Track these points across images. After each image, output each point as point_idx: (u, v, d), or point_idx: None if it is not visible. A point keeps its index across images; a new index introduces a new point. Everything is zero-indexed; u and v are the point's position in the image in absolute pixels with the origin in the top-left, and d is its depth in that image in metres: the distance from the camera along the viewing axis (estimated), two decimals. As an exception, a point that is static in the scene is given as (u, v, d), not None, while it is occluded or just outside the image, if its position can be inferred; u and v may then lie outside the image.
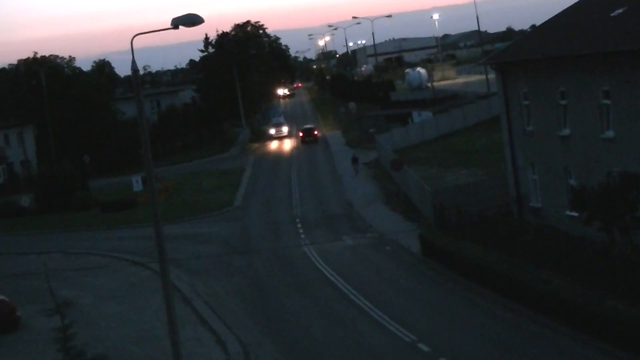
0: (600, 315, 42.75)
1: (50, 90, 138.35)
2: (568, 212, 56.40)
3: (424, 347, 45.23)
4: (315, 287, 58.75)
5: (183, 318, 47.84)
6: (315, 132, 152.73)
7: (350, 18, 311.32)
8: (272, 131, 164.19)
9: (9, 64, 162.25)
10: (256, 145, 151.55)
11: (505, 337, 45.67)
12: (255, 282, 61.60)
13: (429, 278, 56.81)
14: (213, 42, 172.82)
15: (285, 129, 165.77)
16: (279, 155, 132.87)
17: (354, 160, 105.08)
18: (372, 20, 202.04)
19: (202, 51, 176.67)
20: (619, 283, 46.18)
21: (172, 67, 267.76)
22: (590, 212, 50.42)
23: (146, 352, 48.92)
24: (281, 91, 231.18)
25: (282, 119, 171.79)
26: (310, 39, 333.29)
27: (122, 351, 48.52)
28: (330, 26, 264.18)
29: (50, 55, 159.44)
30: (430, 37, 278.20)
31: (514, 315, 47.76)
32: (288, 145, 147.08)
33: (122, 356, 46.57)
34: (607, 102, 55.11)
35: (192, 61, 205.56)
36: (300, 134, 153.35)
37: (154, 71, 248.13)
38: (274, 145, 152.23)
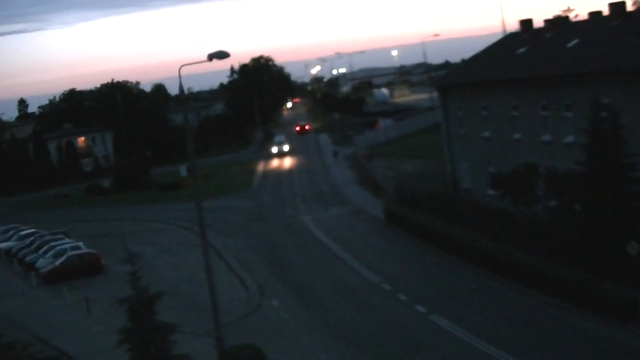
0: (510, 262, 43.06)
1: (123, 105, 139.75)
2: (488, 191, 56.62)
3: (386, 287, 45.50)
4: (310, 244, 58.93)
5: (216, 266, 47.96)
6: (307, 127, 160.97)
7: (334, 53, 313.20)
8: (275, 149, 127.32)
9: (95, 87, 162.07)
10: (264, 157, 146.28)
11: (444, 279, 45.86)
12: (268, 241, 61.71)
13: (391, 238, 56.96)
14: (237, 70, 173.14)
15: (286, 147, 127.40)
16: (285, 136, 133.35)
17: (335, 154, 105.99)
18: (350, 55, 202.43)
19: (229, 77, 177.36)
20: (523, 240, 46.43)
21: (207, 88, 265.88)
22: (504, 190, 50.70)
23: (192, 290, 49.13)
24: (285, 106, 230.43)
25: (283, 138, 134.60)
26: (305, 67, 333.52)
27: (176, 289, 48.74)
28: (320, 59, 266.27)
29: (123, 80, 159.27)
30: (391, 67, 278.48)
31: (450, 264, 47.96)
32: (289, 158, 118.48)
33: (175, 292, 46.73)
34: (515, 113, 55.47)
35: (222, 84, 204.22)
36: (297, 128, 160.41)
37: (195, 91, 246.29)
38: (276, 156, 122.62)
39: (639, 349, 32.82)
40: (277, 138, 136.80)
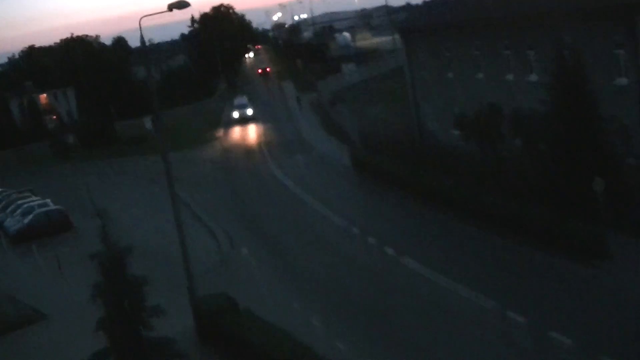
0: (476, 203, 43.43)
1: (84, 60, 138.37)
2: (453, 132, 56.81)
3: (355, 230, 45.77)
4: (277, 191, 59.05)
5: (185, 218, 47.96)
6: (268, 70, 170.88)
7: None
8: (236, 114, 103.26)
9: (55, 43, 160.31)
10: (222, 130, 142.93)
11: (412, 222, 46.25)
12: (235, 190, 61.75)
13: (358, 183, 57.18)
14: (197, 20, 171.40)
15: (249, 111, 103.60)
16: (247, 98, 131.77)
17: (298, 99, 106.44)
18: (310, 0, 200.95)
19: (189, 27, 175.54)
20: (489, 180, 46.76)
21: (169, 39, 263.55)
22: (469, 132, 50.91)
23: (162, 242, 49.12)
24: (247, 54, 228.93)
25: (245, 101, 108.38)
26: (266, 14, 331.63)
27: (145, 242, 48.70)
28: (280, 5, 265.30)
29: (82, 35, 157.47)
30: (352, 11, 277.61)
31: (418, 207, 48.27)
32: (253, 128, 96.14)
33: (144, 246, 46.71)
34: (478, 53, 55.49)
35: (183, 34, 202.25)
36: (260, 71, 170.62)
37: (156, 42, 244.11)
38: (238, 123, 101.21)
39: (605, 286, 33.30)
40: (238, 100, 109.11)
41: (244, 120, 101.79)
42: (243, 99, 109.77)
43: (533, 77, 48.90)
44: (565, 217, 38.23)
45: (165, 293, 36.00)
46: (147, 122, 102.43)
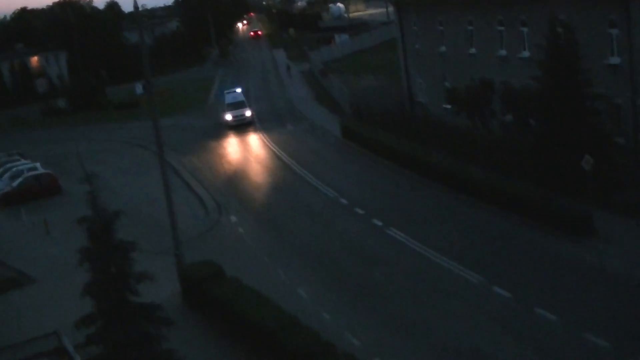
0: (465, 178, 43.47)
1: (76, 24, 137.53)
2: (444, 106, 56.77)
3: (343, 201, 45.80)
4: (267, 160, 58.96)
5: (174, 184, 47.94)
6: (259, 33, 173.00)
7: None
8: (229, 117, 75.38)
9: (47, 5, 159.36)
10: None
11: (400, 194, 46.25)
12: (224, 158, 61.63)
13: (347, 154, 57.10)
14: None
15: (247, 112, 75.58)
16: (238, 66, 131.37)
17: (288, 68, 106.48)
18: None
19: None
20: (479, 155, 46.77)
21: (162, 4, 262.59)
22: (460, 106, 50.89)
23: (150, 208, 49.07)
24: (241, 23, 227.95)
25: (239, 95, 79.29)
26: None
27: (133, 208, 48.63)
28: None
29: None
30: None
31: (406, 179, 48.31)
32: (254, 138, 68.99)
33: (133, 211, 46.63)
34: (471, 28, 55.32)
35: (176, 0, 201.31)
36: (252, 33, 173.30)
37: (149, 7, 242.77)
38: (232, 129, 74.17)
39: (592, 263, 33.42)
40: (230, 96, 78.49)
41: (240, 126, 73.76)
42: (237, 93, 79.04)
43: (526, 54, 48.80)
44: (553, 193, 38.31)
45: (152, 259, 36.09)
46: (138, 88, 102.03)
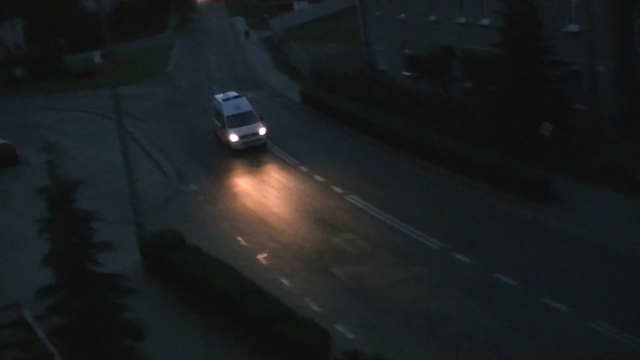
0: (425, 144, 43.63)
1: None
2: (404, 73, 56.78)
3: (303, 168, 45.78)
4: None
5: (134, 153, 47.55)
6: None
7: None
8: (234, 138, 50.24)
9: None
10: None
11: (360, 160, 46.32)
12: (185, 127, 61.18)
13: (308, 120, 56.93)
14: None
15: (261, 130, 50.75)
16: (196, 35, 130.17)
17: (246, 34, 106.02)
18: None
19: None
20: (440, 121, 46.90)
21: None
22: (420, 73, 50.96)
23: (110, 178, 48.70)
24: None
25: (243, 102, 52.69)
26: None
27: (93, 178, 48.22)
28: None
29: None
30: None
31: (366, 145, 48.38)
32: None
33: (93, 181, 46.27)
34: (431, -6, 55.37)
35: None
36: None
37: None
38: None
39: (551, 228, 33.80)
40: (230, 105, 52.41)
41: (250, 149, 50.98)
42: (239, 100, 53.17)
43: (485, 21, 48.89)
44: (513, 159, 38.59)
45: (113, 228, 35.88)
46: (96, 56, 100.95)
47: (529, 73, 40.00)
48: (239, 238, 36.81)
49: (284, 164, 47.27)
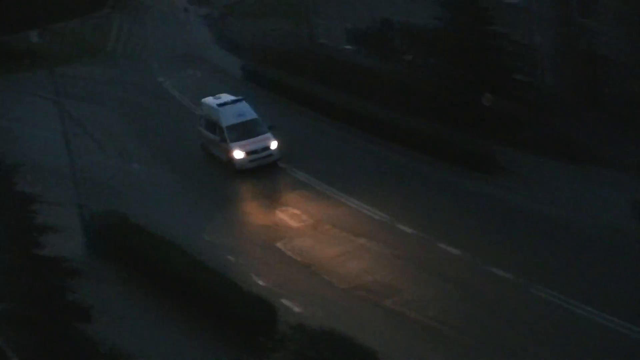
0: (366, 116, 43.85)
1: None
2: (346, 46, 56.83)
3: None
4: (168, 105, 58.11)
5: (76, 134, 47.09)
6: None
7: None
8: (239, 154, 41.09)
9: None
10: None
11: (302, 133, 46.35)
12: (125, 105, 60.62)
13: (250, 95, 56.70)
14: None
15: (272, 143, 41.62)
16: (136, 12, 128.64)
17: (185, 10, 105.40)
18: None
19: None
20: (381, 94, 47.08)
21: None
22: (361, 46, 51.07)
23: (51, 159, 48.19)
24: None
25: (245, 107, 43.39)
26: None
27: (34, 159, 47.65)
28: None
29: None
30: None
31: (308, 118, 48.45)
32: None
33: (33, 162, 45.74)
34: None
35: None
36: None
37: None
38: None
39: (495, 198, 34.27)
40: (230, 111, 42.97)
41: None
42: (241, 104, 43.99)
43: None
44: (456, 131, 38.94)
45: (55, 210, 35.58)
46: (33, 36, 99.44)
47: (470, 45, 40.28)
48: (184, 216, 36.72)
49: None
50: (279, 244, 32.94)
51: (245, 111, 43.31)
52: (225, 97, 44.60)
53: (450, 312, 26.85)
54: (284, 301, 28.18)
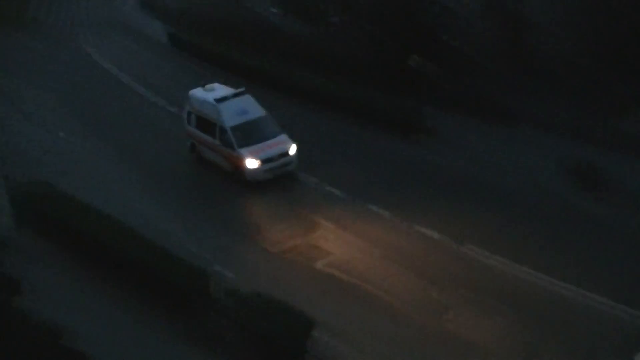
0: (293, 82, 43.90)
1: None
2: (271, 9, 56.53)
3: (172, 109, 45.37)
4: (94, 73, 57.41)
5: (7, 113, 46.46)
6: None
7: None
8: (252, 164, 33.89)
9: None
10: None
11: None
12: (51, 75, 59.55)
13: (176, 62, 56.32)
14: None
15: (291, 147, 34.73)
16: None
17: None
18: None
19: None
20: (310, 59, 47.11)
21: None
22: (286, 9, 50.93)
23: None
24: None
25: (249, 100, 36.14)
26: None
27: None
28: None
29: None
30: None
31: (235, 83, 48.08)
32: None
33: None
34: None
35: None
36: None
37: None
38: None
39: (424, 159, 34.77)
40: (231, 108, 35.71)
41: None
42: (244, 97, 36.67)
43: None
44: (385, 93, 39.23)
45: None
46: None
47: (397, 7, 40.44)
48: (114, 185, 36.37)
49: (154, 106, 46.82)
50: (206, 209, 32.95)
51: (251, 107, 36.15)
52: (220, 88, 37.57)
53: (378, 270, 27.40)
54: (216, 267, 28.28)
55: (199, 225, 31.91)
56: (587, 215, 29.86)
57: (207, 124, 35.99)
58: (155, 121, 44.73)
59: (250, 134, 34.68)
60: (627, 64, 35.22)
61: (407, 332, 24.36)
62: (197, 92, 37.38)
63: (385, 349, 23.71)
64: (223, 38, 55.20)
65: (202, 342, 24.56)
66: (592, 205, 30.45)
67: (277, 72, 45.64)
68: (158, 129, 43.37)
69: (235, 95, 36.32)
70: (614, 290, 25.13)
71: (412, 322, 24.80)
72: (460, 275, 26.68)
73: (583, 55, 37.18)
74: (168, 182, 36.51)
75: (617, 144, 33.71)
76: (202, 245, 29.97)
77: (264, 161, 33.96)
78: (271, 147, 34.42)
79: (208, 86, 37.61)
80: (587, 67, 36.79)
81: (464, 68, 41.72)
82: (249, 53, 50.21)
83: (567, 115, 36.10)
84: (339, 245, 29.13)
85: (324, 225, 30.65)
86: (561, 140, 35.04)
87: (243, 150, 34.04)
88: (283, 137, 35.05)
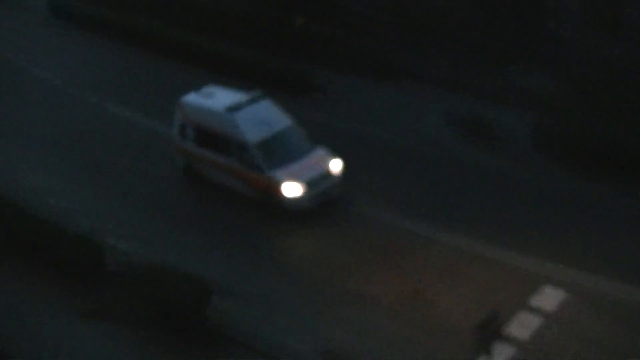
0: (180, 44, 43.91)
1: None
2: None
3: (57, 82, 44.53)
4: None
5: None
6: None
7: None
8: (296, 190, 27.09)
9: None
10: None
11: (113, 66, 45.65)
12: None
13: (58, 31, 54.38)
14: None
15: (336, 164, 28.26)
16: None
17: None
18: None
19: None
20: (194, 22, 46.65)
21: None
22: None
23: None
24: None
25: (270, 107, 29.29)
26: None
27: None
28: None
29: None
30: None
31: (122, 51, 47.33)
32: None
33: None
34: None
35: None
36: None
37: None
38: None
39: (311, 119, 34.94)
40: (247, 116, 28.44)
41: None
42: (264, 103, 29.61)
43: None
44: (275, 55, 39.32)
45: None
46: None
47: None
48: (20, 176, 35.48)
49: (38, 80, 45.34)
50: (95, 180, 32.63)
51: (274, 116, 29.35)
52: (221, 92, 30.60)
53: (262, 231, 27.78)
54: (110, 240, 28.11)
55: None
56: (474, 165, 30.89)
57: (214, 140, 29.08)
58: (40, 95, 43.56)
59: (278, 152, 28.10)
60: (509, 18, 36.14)
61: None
62: (193, 99, 30.35)
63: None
64: (112, 4, 53.79)
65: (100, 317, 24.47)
66: (477, 154, 31.59)
67: (161, 35, 45.14)
68: (38, 104, 42.31)
69: (252, 101, 29.33)
70: (500, 236, 26.24)
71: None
72: (361, 237, 27.17)
73: (468, 12, 37.94)
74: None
75: (500, 96, 34.71)
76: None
77: (308, 184, 27.60)
78: (311, 166, 27.98)
79: (205, 90, 30.94)
80: (472, 23, 37.57)
81: (350, 26, 41.98)
82: (140, 19, 49.27)
83: (453, 71, 36.93)
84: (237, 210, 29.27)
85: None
86: (448, 93, 35.87)
87: (278, 173, 27.47)
88: (320, 151, 28.79)
